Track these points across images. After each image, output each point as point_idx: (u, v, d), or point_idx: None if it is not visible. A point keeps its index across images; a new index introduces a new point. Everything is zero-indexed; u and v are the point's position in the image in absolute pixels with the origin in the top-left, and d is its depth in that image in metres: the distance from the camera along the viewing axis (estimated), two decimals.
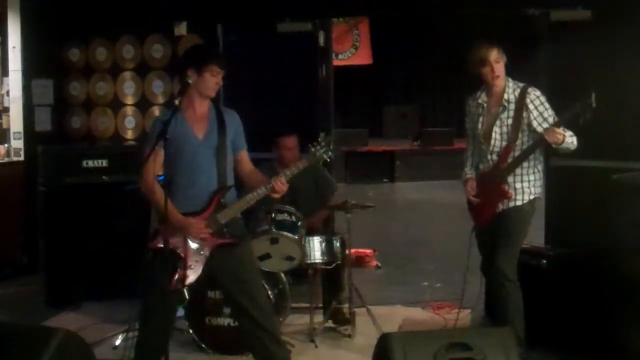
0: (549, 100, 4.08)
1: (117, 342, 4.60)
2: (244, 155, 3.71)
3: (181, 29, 6.42)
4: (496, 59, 4.08)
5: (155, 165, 3.47)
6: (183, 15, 6.41)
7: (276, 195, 3.52)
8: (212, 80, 3.52)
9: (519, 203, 4.10)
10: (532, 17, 5.86)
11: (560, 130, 3.84)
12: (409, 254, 7.36)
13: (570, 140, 3.89)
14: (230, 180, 3.61)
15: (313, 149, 3.55)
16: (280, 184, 3.48)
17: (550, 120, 3.98)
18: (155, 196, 3.43)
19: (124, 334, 4.58)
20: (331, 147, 3.55)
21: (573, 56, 5.39)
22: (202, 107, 3.60)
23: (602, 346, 3.98)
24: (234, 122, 3.66)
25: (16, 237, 6.46)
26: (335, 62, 9.48)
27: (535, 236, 4.46)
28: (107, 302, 5.34)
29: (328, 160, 3.59)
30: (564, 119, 3.87)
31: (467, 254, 4.34)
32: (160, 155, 3.46)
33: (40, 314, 5.24)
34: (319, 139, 3.59)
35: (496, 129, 4.10)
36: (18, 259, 6.44)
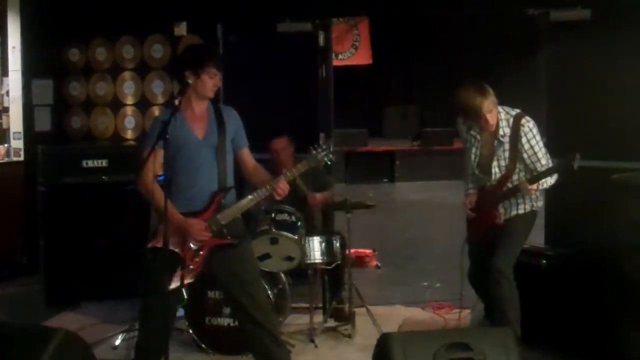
0: (551, 101, 4.09)
1: (117, 342, 4.60)
2: (246, 153, 3.69)
3: (181, 29, 6.43)
4: (489, 109, 3.96)
5: (155, 166, 3.46)
6: (183, 15, 6.42)
7: (278, 197, 3.51)
8: (210, 82, 3.51)
9: (521, 211, 4.17)
10: (532, 17, 5.85)
11: (534, 186, 3.96)
12: (409, 254, 7.36)
13: (546, 185, 4.02)
14: (231, 181, 3.60)
15: (314, 152, 3.53)
16: (283, 187, 3.47)
17: (540, 154, 4.02)
18: (155, 196, 3.43)
19: (124, 334, 4.59)
20: (331, 149, 3.54)
21: (573, 56, 5.40)
22: (200, 106, 3.60)
23: (602, 346, 3.98)
24: (233, 120, 3.65)
25: (16, 237, 6.45)
26: (335, 62, 9.47)
27: (535, 236, 4.47)
28: (107, 302, 5.34)
29: (329, 162, 3.58)
30: (544, 175, 3.97)
31: (462, 253, 4.37)
32: (159, 156, 3.45)
33: (40, 314, 5.24)
34: (320, 141, 3.58)
35: (495, 163, 4.13)
36: (18, 259, 6.44)
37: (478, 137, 4.17)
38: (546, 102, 5.68)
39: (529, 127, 4.01)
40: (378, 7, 6.79)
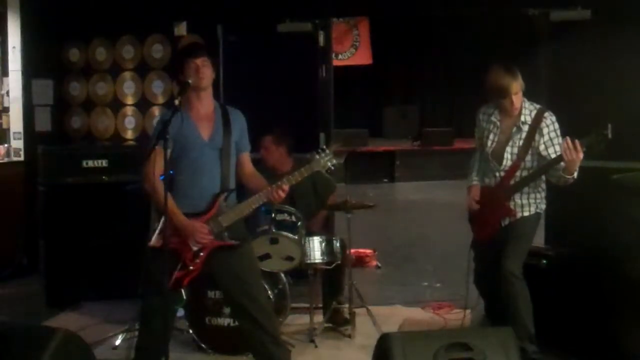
0: (551, 101, 4.09)
1: (117, 342, 4.60)
2: (246, 157, 3.69)
3: (181, 29, 6.43)
4: (516, 91, 4.09)
5: (157, 166, 3.46)
6: (183, 15, 6.42)
7: (274, 201, 3.51)
8: (192, 70, 3.46)
9: (526, 214, 4.21)
10: (532, 17, 5.85)
11: (579, 147, 3.80)
12: (409, 254, 7.36)
13: (576, 172, 3.93)
14: (233, 183, 3.59)
15: (318, 156, 3.50)
16: (282, 193, 3.45)
17: (557, 147, 4.04)
18: (157, 196, 3.43)
19: (124, 334, 4.59)
20: (333, 152, 3.51)
21: (573, 56, 5.39)
22: (206, 105, 3.59)
23: (602, 346, 3.98)
24: (239, 122, 3.65)
25: (16, 237, 6.45)
26: (335, 62, 9.46)
27: (535, 236, 4.47)
28: (107, 302, 5.34)
29: (332, 168, 3.55)
30: (586, 142, 3.88)
31: (467, 254, 4.37)
32: (161, 155, 3.45)
33: (40, 314, 5.25)
34: (324, 146, 3.55)
35: (508, 148, 4.18)
36: (18, 259, 6.43)
37: (498, 123, 4.24)
38: (546, 102, 5.67)
39: (552, 121, 4.11)
40: (378, 7, 6.79)
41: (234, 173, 3.61)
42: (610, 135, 3.82)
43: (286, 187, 3.46)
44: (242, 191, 3.72)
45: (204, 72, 3.49)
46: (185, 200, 3.50)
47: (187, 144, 3.50)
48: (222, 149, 3.54)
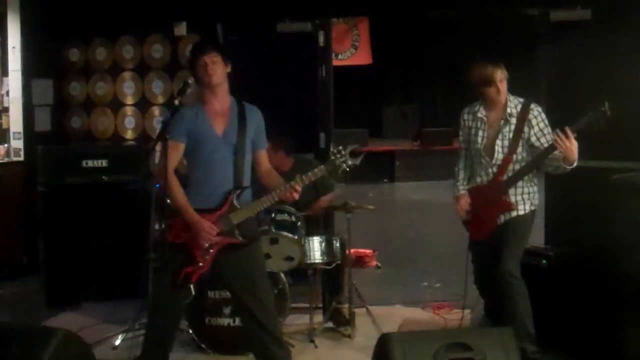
0: (551, 100, 4.09)
1: (117, 342, 4.61)
2: (263, 154, 3.69)
3: (181, 29, 6.44)
4: (501, 79, 4.15)
5: (171, 160, 3.43)
6: (183, 15, 6.42)
7: (292, 199, 3.48)
8: (201, 69, 3.47)
9: (521, 212, 4.20)
10: (532, 17, 5.86)
11: (571, 138, 3.85)
12: (409, 254, 7.35)
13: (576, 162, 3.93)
14: (247, 180, 3.59)
15: (333, 157, 3.46)
16: (295, 193, 3.43)
17: (549, 137, 4.08)
18: (172, 190, 3.44)
19: (124, 334, 4.59)
20: (348, 154, 3.47)
21: (573, 56, 5.40)
22: (222, 101, 3.58)
23: (602, 346, 3.97)
24: (255, 119, 3.64)
25: (16, 237, 6.45)
26: (335, 62, 9.44)
27: (535, 236, 4.47)
28: (107, 302, 5.34)
29: (347, 170, 3.49)
30: (577, 127, 3.92)
31: (466, 254, 4.37)
32: (176, 150, 3.45)
33: (40, 314, 5.25)
34: (340, 148, 3.48)
35: (498, 142, 4.19)
36: (18, 259, 6.43)
37: (485, 118, 4.26)
38: (546, 102, 5.68)
39: (539, 111, 4.16)
40: (378, 7, 6.80)
41: (249, 170, 3.60)
42: (609, 113, 3.85)
43: (299, 187, 3.44)
44: (258, 189, 3.71)
45: (213, 69, 3.48)
46: (198, 196, 3.51)
47: (201, 139, 3.50)
48: (236, 146, 3.53)
